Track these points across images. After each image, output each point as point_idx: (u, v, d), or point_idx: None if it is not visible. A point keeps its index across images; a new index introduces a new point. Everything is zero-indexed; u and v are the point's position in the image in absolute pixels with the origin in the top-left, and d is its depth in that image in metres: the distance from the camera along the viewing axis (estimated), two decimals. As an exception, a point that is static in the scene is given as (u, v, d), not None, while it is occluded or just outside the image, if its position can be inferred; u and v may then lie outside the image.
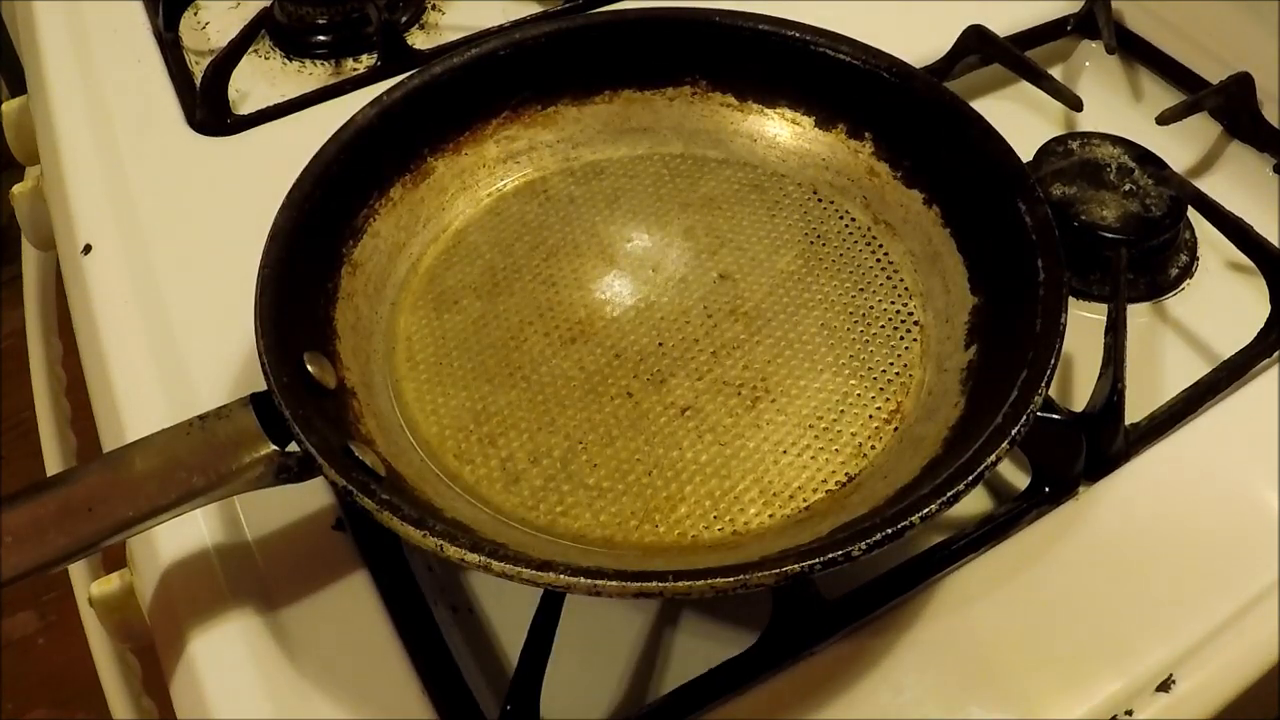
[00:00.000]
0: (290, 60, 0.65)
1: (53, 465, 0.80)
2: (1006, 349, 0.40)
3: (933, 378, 0.43)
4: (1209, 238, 0.53)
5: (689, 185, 0.51)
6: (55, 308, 0.84)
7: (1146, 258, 0.52)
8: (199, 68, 0.63)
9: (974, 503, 0.43)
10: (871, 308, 0.46)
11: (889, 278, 0.47)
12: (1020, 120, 0.61)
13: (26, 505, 0.34)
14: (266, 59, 0.65)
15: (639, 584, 0.32)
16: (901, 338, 0.44)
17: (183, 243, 0.52)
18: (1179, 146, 0.58)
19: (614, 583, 0.32)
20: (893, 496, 0.37)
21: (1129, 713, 0.37)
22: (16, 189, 0.70)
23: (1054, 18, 0.64)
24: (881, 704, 0.37)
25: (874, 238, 0.48)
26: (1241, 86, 0.58)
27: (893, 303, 0.46)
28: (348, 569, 0.40)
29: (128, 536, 0.35)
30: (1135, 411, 0.44)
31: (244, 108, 0.61)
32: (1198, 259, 0.53)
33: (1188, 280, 0.52)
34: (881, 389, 0.43)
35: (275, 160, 0.48)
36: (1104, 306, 0.47)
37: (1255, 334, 0.48)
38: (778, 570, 0.32)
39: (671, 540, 0.39)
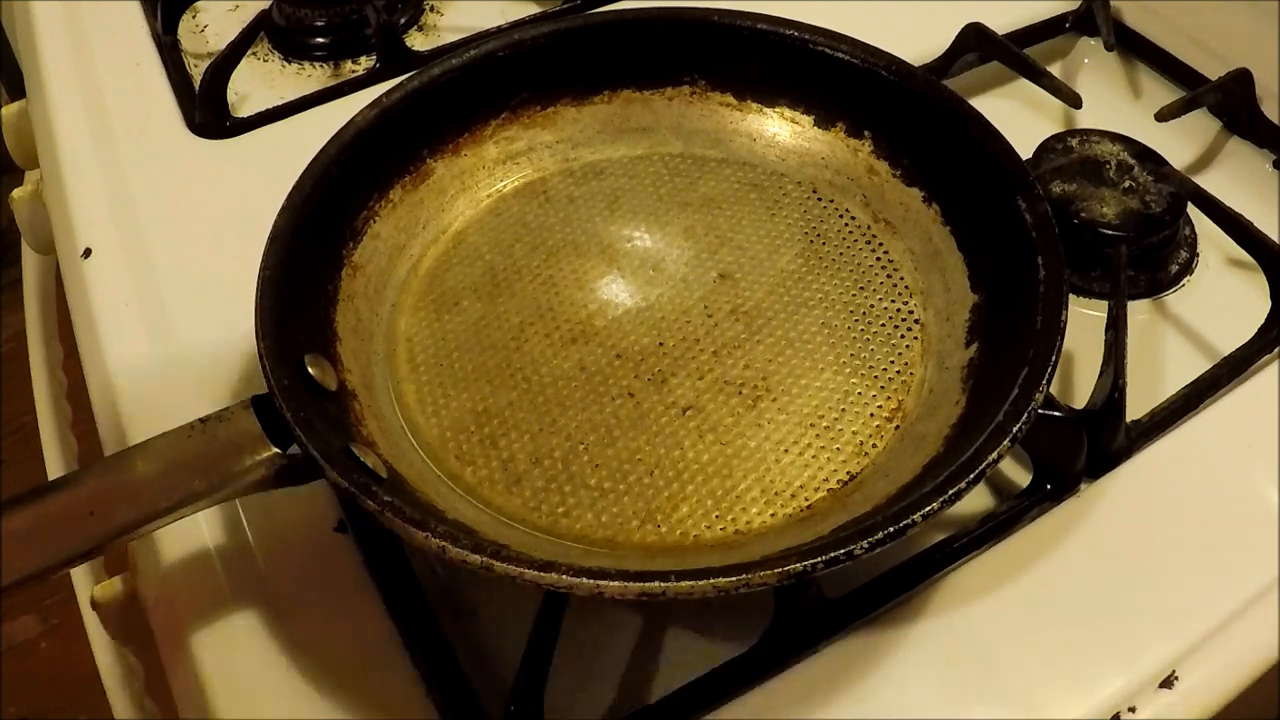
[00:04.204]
0: (289, 62, 0.65)
1: (54, 469, 0.80)
2: (1007, 346, 0.40)
3: (934, 376, 0.43)
4: (1209, 234, 0.53)
5: (688, 185, 0.51)
6: (55, 311, 0.84)
7: (1147, 254, 0.52)
8: (198, 70, 0.63)
9: (975, 501, 0.43)
10: (872, 306, 0.46)
11: (889, 276, 0.47)
12: (1019, 118, 0.61)
13: (28, 509, 0.34)
14: (265, 61, 0.65)
15: (641, 584, 0.32)
16: (902, 336, 0.44)
17: (182, 246, 0.52)
18: (1178, 143, 0.58)
19: (616, 583, 0.32)
20: (894, 495, 0.37)
21: (1132, 709, 0.37)
22: (16, 193, 0.70)
23: (1053, 15, 0.64)
24: (884, 702, 0.37)
25: (874, 236, 0.48)
26: (1240, 83, 0.58)
27: (893, 301, 0.46)
28: (350, 571, 0.40)
29: (129, 539, 0.35)
30: (1136, 408, 0.44)
31: (243, 110, 0.61)
32: (1198, 255, 0.53)
33: (1188, 277, 0.52)
34: (882, 387, 0.43)
35: (275, 163, 0.48)
36: (1104, 303, 0.47)
37: (1256, 330, 0.48)
38: (780, 569, 0.32)
39: (673, 540, 0.39)
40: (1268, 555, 0.40)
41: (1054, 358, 0.37)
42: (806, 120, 0.52)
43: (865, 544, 0.32)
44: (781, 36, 0.51)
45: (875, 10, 0.62)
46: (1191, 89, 0.59)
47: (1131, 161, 0.53)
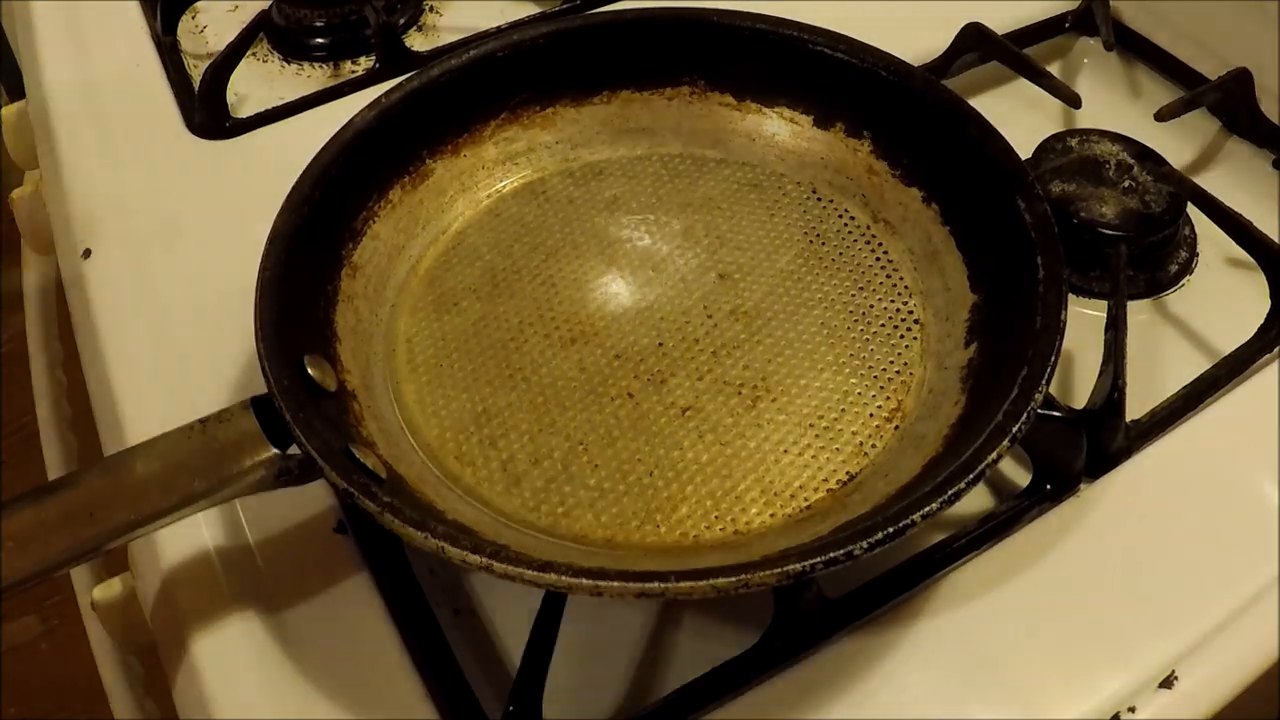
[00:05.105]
0: (289, 63, 0.65)
1: (54, 469, 0.80)
2: (1007, 346, 0.40)
3: (933, 376, 0.43)
4: (1208, 234, 0.53)
5: (688, 185, 0.51)
6: (55, 312, 0.84)
7: (1146, 254, 0.52)
8: (197, 71, 0.63)
9: (975, 501, 0.43)
10: (871, 306, 0.46)
11: (888, 276, 0.47)
12: (1019, 117, 0.61)
13: (28, 509, 0.34)
14: (265, 62, 0.65)
15: (641, 584, 0.32)
16: (901, 336, 0.44)
17: (182, 246, 0.52)
18: (1178, 143, 0.58)
19: (616, 583, 0.32)
20: (894, 495, 0.37)
21: (1131, 709, 0.37)
22: (16, 193, 0.70)
23: (1052, 15, 0.64)
24: (884, 702, 0.37)
25: (873, 236, 0.48)
26: (1240, 82, 0.58)
27: (892, 301, 0.46)
28: (349, 571, 0.40)
29: (129, 540, 0.35)
30: (1136, 408, 0.44)
31: (242, 111, 0.61)
32: (1197, 255, 0.53)
33: (1187, 277, 0.52)
34: (882, 387, 0.43)
35: (274, 163, 0.48)
36: (1104, 303, 0.47)
37: (1255, 330, 0.48)
38: (779, 570, 0.32)
39: (673, 540, 0.39)
40: (1268, 555, 0.40)
41: (1053, 358, 0.37)
42: (806, 120, 0.52)
43: (865, 544, 0.32)
44: (781, 36, 0.51)
45: (875, 10, 0.62)
46: (1191, 89, 0.59)
47: (1131, 161, 0.53)
